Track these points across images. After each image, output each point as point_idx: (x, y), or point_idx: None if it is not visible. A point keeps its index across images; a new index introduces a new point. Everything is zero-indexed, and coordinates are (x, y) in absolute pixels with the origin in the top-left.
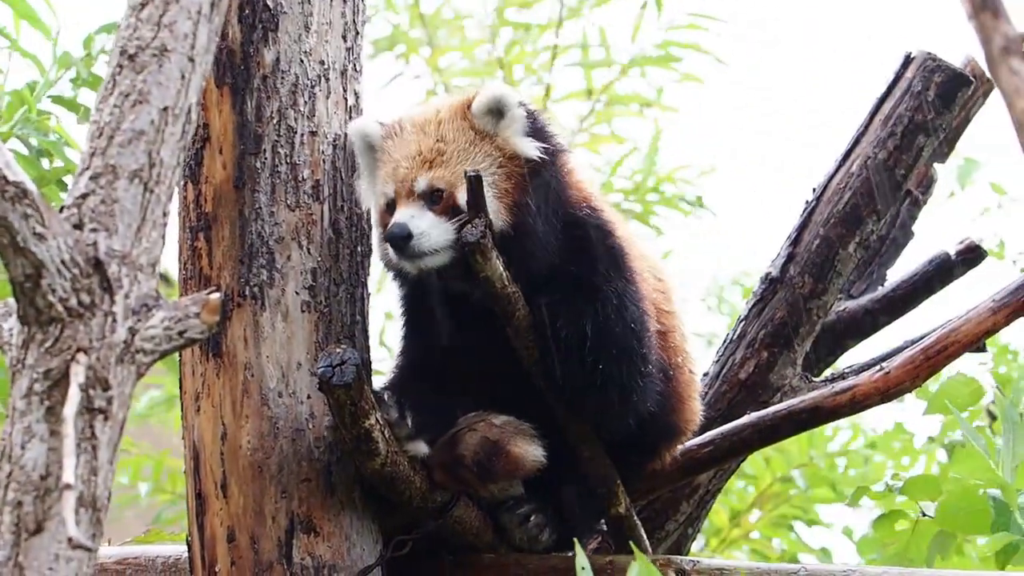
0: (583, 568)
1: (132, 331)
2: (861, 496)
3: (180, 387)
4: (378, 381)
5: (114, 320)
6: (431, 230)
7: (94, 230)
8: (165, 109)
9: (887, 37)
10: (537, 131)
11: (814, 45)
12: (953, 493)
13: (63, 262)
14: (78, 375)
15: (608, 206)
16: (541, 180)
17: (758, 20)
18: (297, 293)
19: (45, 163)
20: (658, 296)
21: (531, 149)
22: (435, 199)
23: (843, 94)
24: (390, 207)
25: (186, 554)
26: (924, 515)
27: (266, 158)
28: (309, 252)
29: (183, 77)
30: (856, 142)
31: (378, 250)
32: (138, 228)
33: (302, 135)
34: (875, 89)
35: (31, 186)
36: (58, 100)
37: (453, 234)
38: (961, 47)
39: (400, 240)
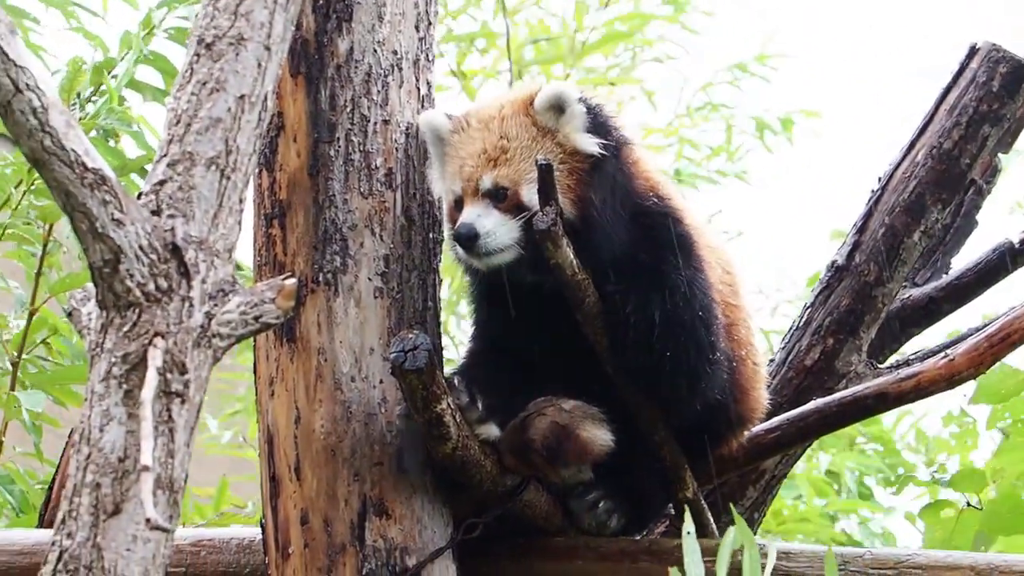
0: (688, 533)
1: (209, 316)
2: (905, 484)
3: (254, 372)
4: (448, 369)
5: (191, 305)
6: (497, 229)
7: (172, 216)
8: (242, 97)
9: (888, 27)
10: (599, 126)
11: (814, 35)
12: (997, 498)
13: (141, 248)
14: (156, 359)
15: (677, 193)
16: (604, 174)
17: (758, 10)
18: (370, 279)
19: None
20: (725, 289)
21: (591, 145)
22: (500, 197)
23: (842, 84)
24: (458, 204)
25: (260, 536)
26: (969, 504)
27: (340, 146)
28: (382, 239)
29: (259, 65)
30: (921, 132)
31: (448, 244)
32: (215, 214)
33: (375, 124)
34: (873, 79)
35: (110, 172)
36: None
37: (519, 232)
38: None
39: (467, 240)
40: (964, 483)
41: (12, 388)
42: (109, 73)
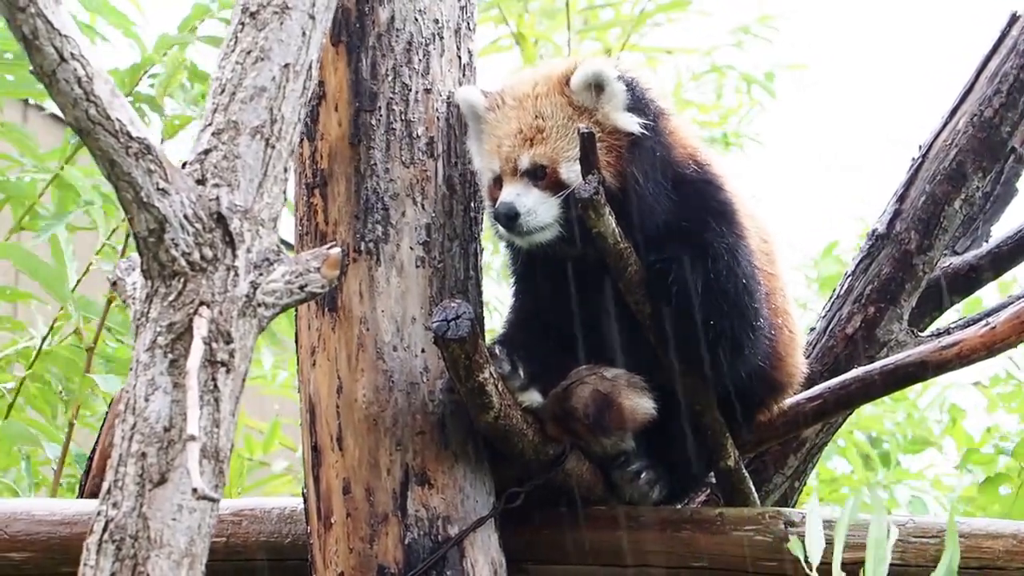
0: (811, 511)
1: (254, 285)
2: (969, 461)
3: (296, 341)
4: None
5: (236, 274)
6: (537, 207)
7: (216, 185)
8: (286, 66)
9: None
10: (637, 102)
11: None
12: None
13: (186, 217)
14: (201, 328)
15: (716, 159)
16: (643, 149)
17: None
18: (412, 248)
19: None
20: (762, 257)
21: (632, 124)
22: (539, 175)
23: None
24: (497, 183)
25: (301, 506)
26: None
27: (381, 115)
28: (423, 208)
29: (304, 34)
30: (962, 99)
31: (488, 221)
32: (260, 183)
33: (416, 92)
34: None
35: (155, 141)
36: None
37: (559, 209)
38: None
39: (508, 220)
40: None
41: (87, 370)
42: (145, 73)
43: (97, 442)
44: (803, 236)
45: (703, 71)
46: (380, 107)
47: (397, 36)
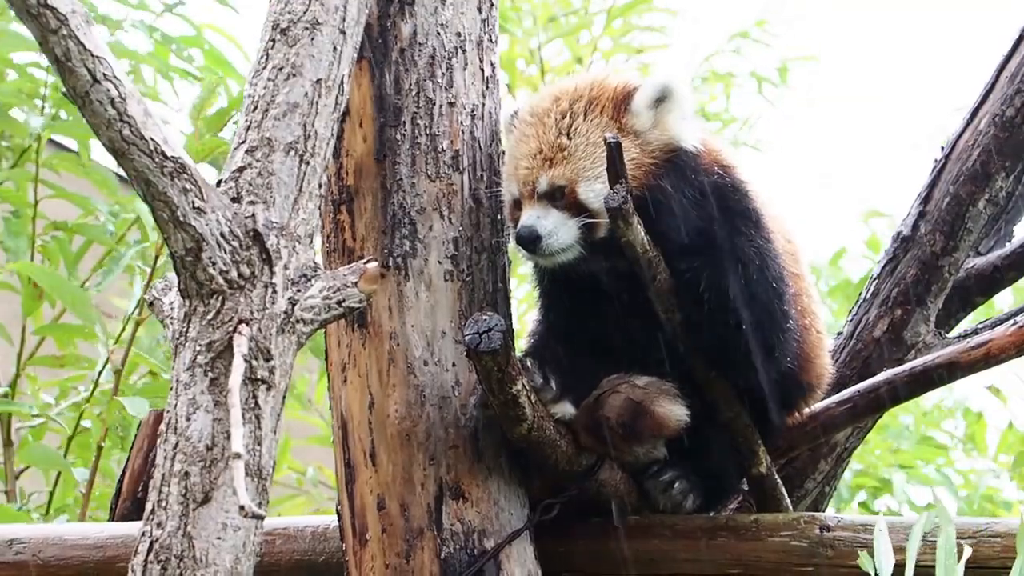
0: (880, 530)
1: (292, 301)
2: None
3: (326, 358)
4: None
5: (274, 291)
6: (558, 229)
7: (252, 202)
8: (318, 81)
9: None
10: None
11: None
12: None
13: (223, 235)
14: (241, 346)
15: (738, 160)
16: (676, 163)
17: None
18: (440, 262)
19: None
20: (788, 258)
21: (692, 137)
22: (558, 196)
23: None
24: (517, 205)
25: (335, 523)
26: None
27: (406, 130)
28: (450, 222)
29: (335, 49)
30: (983, 99)
31: (512, 240)
32: (295, 200)
33: (440, 106)
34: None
35: (189, 161)
36: None
37: (578, 231)
38: None
39: (530, 243)
40: None
41: (115, 393)
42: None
43: (127, 464)
44: (810, 244)
45: (703, 77)
46: (404, 122)
47: (420, 50)
